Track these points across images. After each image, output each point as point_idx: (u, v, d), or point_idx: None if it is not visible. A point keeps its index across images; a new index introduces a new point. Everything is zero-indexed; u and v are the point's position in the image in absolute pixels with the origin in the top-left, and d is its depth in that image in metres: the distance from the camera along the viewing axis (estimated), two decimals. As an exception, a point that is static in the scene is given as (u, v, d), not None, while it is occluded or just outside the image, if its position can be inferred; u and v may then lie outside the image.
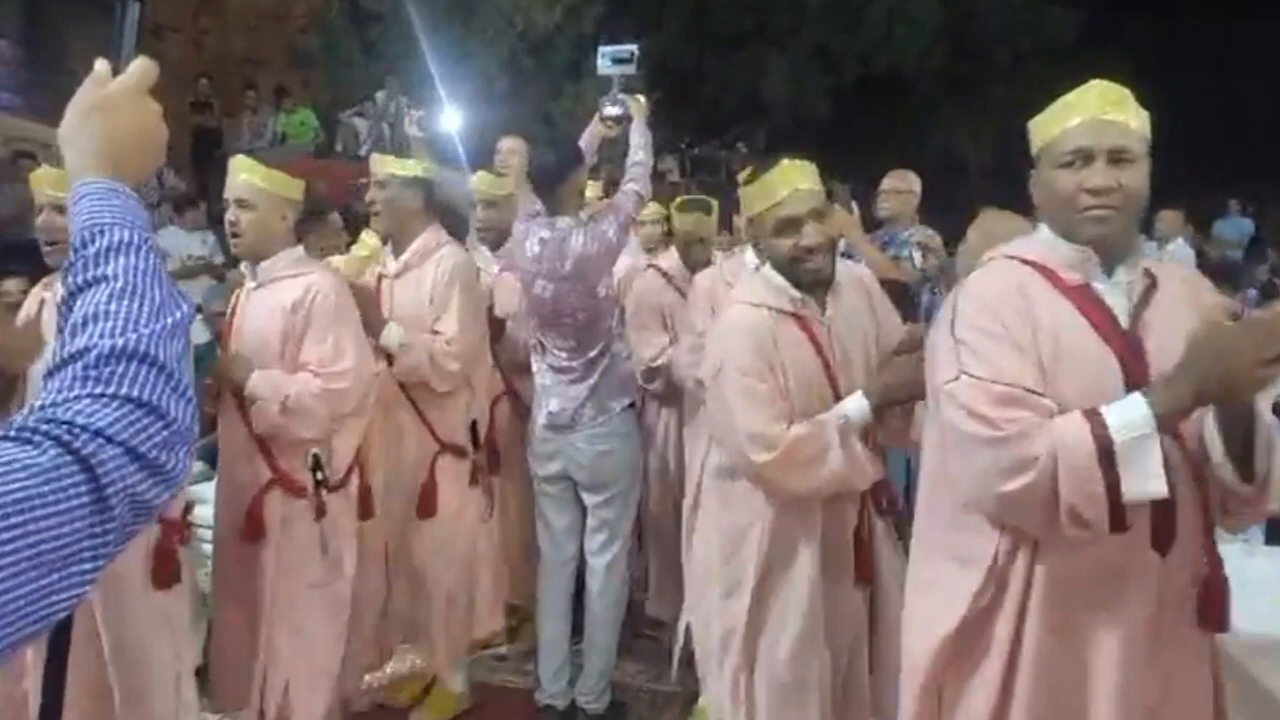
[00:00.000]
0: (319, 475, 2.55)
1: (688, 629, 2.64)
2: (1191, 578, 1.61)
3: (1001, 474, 1.53)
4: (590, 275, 2.93)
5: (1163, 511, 1.55)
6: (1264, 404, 1.56)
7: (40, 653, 0.94)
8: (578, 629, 3.21)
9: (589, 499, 3.11)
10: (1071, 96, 1.70)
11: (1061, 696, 1.62)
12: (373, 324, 2.82)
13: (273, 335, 2.54)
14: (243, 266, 2.71)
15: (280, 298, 2.55)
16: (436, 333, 2.91)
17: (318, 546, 2.57)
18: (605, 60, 3.36)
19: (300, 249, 2.68)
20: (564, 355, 3.04)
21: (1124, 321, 1.62)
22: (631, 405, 3.13)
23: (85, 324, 0.78)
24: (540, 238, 2.97)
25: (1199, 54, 15.92)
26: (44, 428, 0.71)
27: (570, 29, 14.08)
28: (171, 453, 0.76)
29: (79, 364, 0.76)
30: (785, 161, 2.15)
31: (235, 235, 2.59)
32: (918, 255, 3.88)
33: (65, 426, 0.71)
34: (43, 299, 2.52)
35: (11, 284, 4.68)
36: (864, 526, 2.24)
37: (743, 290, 2.27)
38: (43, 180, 2.53)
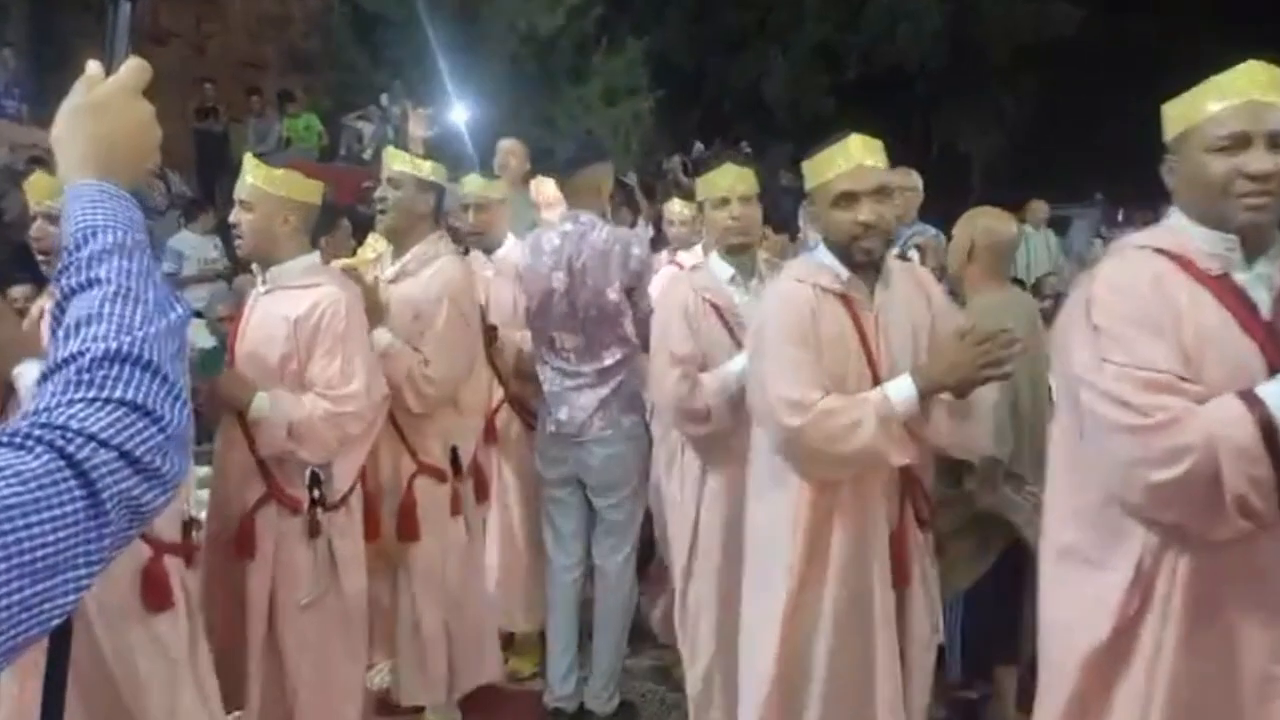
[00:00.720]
0: (315, 493, 2.45)
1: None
2: None
3: (1152, 464, 1.46)
4: (603, 272, 2.93)
5: None
6: None
7: (40, 660, 0.94)
8: (586, 633, 3.21)
9: (599, 502, 3.10)
10: (1221, 78, 1.60)
11: (1209, 705, 1.54)
12: (371, 318, 2.68)
13: (273, 345, 2.42)
14: (254, 269, 2.60)
15: (285, 307, 2.43)
16: (418, 350, 2.77)
17: (313, 565, 2.46)
18: None
19: (315, 256, 2.56)
20: (572, 356, 3.01)
21: (1265, 313, 1.54)
22: (640, 414, 3.13)
23: (78, 328, 0.78)
24: (562, 231, 3.00)
25: (1198, 50, 15.85)
26: (37, 433, 0.71)
27: (573, 30, 14.08)
28: (166, 456, 0.76)
29: (72, 368, 0.75)
30: (853, 135, 2.09)
31: (237, 237, 2.51)
32: (915, 255, 3.88)
33: (59, 431, 0.71)
34: (43, 309, 2.44)
35: (18, 290, 4.70)
36: (903, 528, 2.17)
37: (794, 267, 2.25)
38: (38, 188, 2.43)
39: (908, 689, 2.19)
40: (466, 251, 3.45)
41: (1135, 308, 1.54)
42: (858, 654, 2.13)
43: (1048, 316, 3.63)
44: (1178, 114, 1.67)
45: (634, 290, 2.97)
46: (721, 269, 2.70)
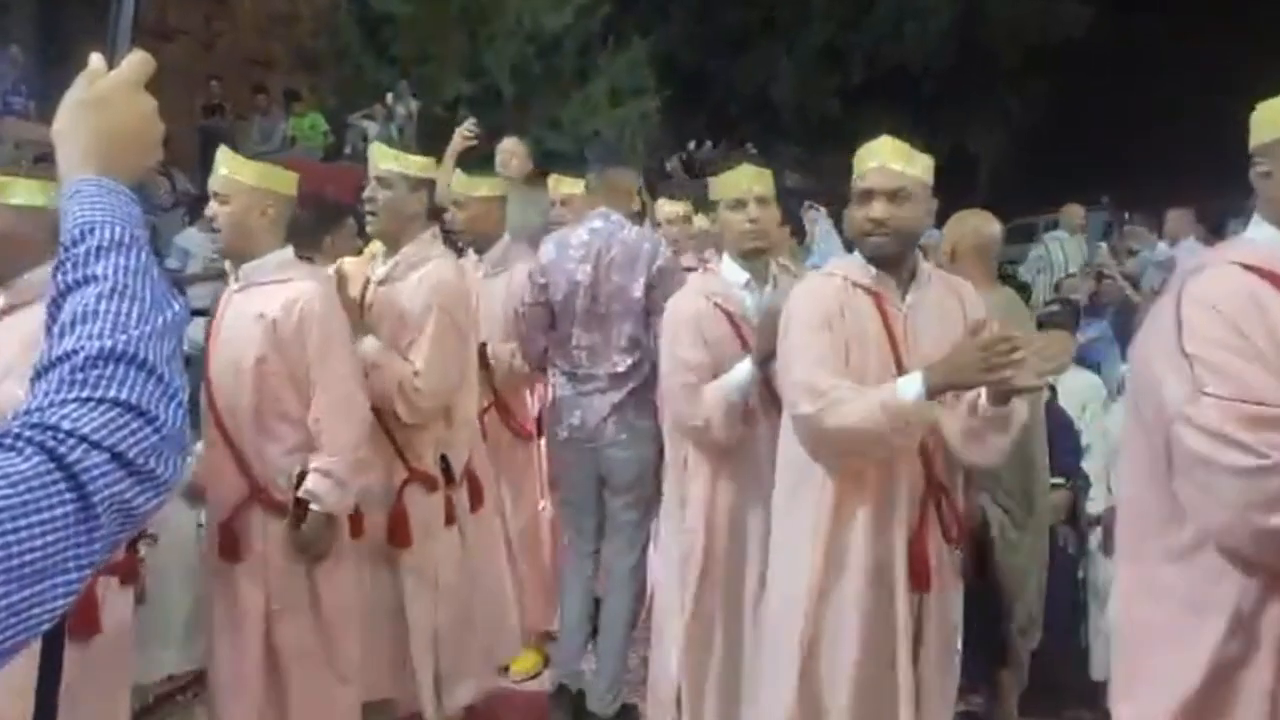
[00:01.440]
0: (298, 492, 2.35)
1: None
2: None
3: (1262, 507, 1.35)
4: (630, 268, 2.96)
5: None
6: None
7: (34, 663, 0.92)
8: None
9: (614, 501, 3.09)
10: None
11: None
12: (351, 329, 2.60)
13: (248, 345, 2.32)
14: (227, 265, 2.52)
15: (258, 305, 2.34)
16: (408, 360, 2.64)
17: (302, 565, 2.38)
18: None
19: (289, 251, 2.45)
20: (584, 355, 3.01)
21: None
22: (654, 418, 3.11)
23: (73, 325, 0.76)
24: (591, 228, 3.02)
25: (1207, 50, 15.80)
26: (28, 433, 0.69)
27: (579, 29, 14.08)
28: (160, 458, 0.74)
29: (66, 366, 0.74)
30: (886, 137, 2.14)
31: (216, 230, 2.42)
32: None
33: (50, 432, 0.69)
34: None
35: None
36: (923, 534, 2.13)
37: (832, 263, 2.29)
38: None
39: (923, 701, 2.14)
40: (461, 252, 3.39)
41: (1233, 332, 1.41)
42: (881, 662, 2.11)
43: (1056, 321, 3.63)
44: (1273, 117, 1.58)
45: (654, 289, 2.96)
46: (735, 274, 2.62)
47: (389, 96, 11.90)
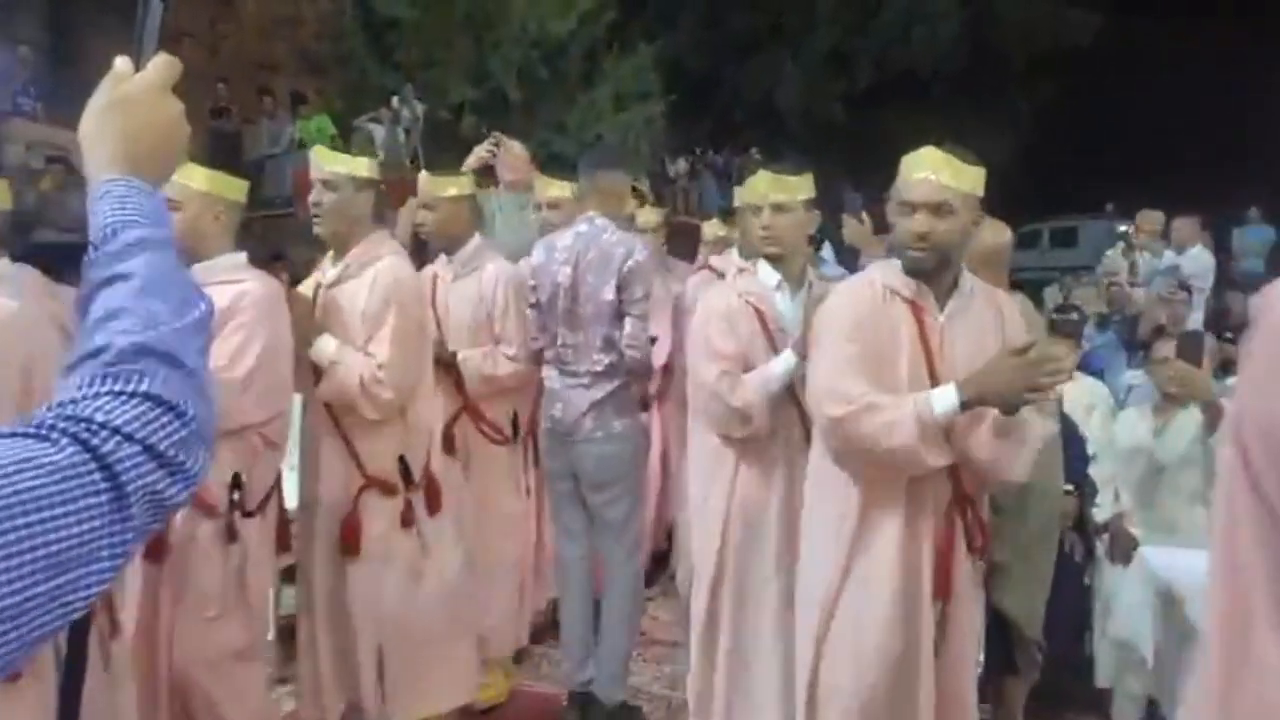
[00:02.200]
0: (235, 496, 2.29)
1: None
2: None
3: None
4: (603, 271, 3.01)
5: None
6: None
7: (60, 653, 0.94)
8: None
9: (592, 499, 3.13)
10: None
11: None
12: (305, 333, 2.56)
13: None
14: None
15: None
16: (369, 355, 2.57)
17: (224, 575, 2.30)
18: None
19: (242, 256, 2.45)
20: (570, 353, 3.09)
21: None
22: (634, 417, 3.18)
23: (104, 321, 0.78)
24: (576, 231, 3.11)
25: (1215, 58, 15.80)
26: (62, 425, 0.70)
27: (584, 34, 14.13)
28: (190, 451, 0.76)
29: (98, 361, 0.75)
30: (933, 148, 2.09)
31: None
32: None
33: (84, 424, 0.71)
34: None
35: (31, 287, 4.71)
36: (949, 543, 2.12)
37: (871, 270, 2.25)
38: None
39: (943, 709, 2.13)
40: (421, 253, 3.34)
41: None
42: (902, 670, 2.09)
43: (1065, 328, 3.63)
44: None
45: (623, 291, 3.01)
46: (768, 275, 2.66)
47: (394, 100, 11.96)
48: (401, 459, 2.66)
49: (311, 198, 2.65)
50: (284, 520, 2.52)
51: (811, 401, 2.16)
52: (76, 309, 0.82)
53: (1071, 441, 3.13)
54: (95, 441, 0.70)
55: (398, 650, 2.68)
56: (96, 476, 0.69)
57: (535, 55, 13.82)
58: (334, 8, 13.65)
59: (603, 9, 14.02)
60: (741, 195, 2.69)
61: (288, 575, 3.07)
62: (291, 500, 2.73)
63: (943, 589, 2.11)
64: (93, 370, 0.75)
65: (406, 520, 2.67)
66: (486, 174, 4.18)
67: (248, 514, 2.34)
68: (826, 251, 5.06)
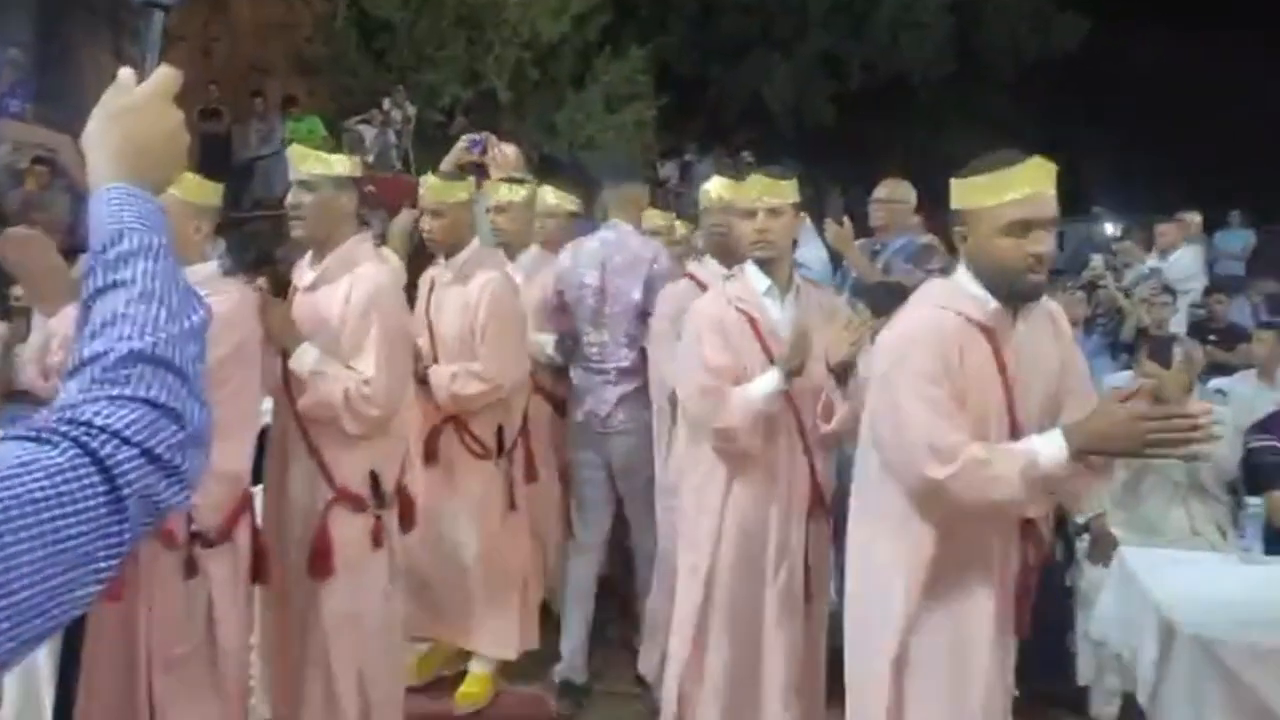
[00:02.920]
0: (193, 526, 2.17)
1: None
2: None
3: None
4: (632, 273, 3.26)
5: None
6: None
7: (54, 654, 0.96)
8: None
9: (622, 484, 3.33)
10: None
11: None
12: (283, 341, 2.46)
13: None
14: None
15: None
16: (351, 369, 2.47)
17: (188, 610, 2.18)
18: None
19: (214, 265, 2.41)
20: (596, 350, 3.31)
21: None
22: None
23: (104, 327, 0.80)
24: (602, 237, 3.36)
25: (1203, 63, 15.92)
26: (63, 428, 0.73)
27: (576, 37, 14.14)
28: (186, 454, 0.78)
29: (97, 366, 0.78)
30: (1033, 159, 1.88)
31: None
32: (901, 264, 3.94)
33: (83, 427, 0.73)
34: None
35: (20, 289, 4.72)
36: (1024, 574, 2.00)
37: (930, 293, 2.04)
38: None
39: None
40: (420, 257, 3.36)
41: None
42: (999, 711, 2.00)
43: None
44: None
45: (649, 292, 3.24)
46: (758, 280, 2.59)
47: (386, 102, 11.95)
48: (372, 474, 2.53)
49: (289, 199, 2.55)
50: (259, 550, 2.37)
51: (898, 457, 1.93)
52: (78, 313, 0.84)
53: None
54: (94, 445, 0.73)
55: (378, 680, 2.56)
56: (95, 479, 0.71)
57: (527, 57, 13.81)
58: (327, 9, 13.61)
59: (595, 11, 14.02)
60: (724, 197, 2.65)
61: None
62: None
63: (1021, 625, 1.99)
64: (92, 375, 0.78)
65: (377, 540, 2.54)
66: (474, 173, 4.21)
67: (208, 544, 2.20)
68: (810, 250, 5.09)
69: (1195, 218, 7.48)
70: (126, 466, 0.73)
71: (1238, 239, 10.05)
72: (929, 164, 17.46)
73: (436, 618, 3.24)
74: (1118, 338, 5.70)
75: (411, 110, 12.20)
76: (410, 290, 3.17)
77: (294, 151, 2.63)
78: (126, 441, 0.74)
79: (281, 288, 2.83)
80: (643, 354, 3.24)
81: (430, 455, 3.14)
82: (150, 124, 0.93)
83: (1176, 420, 1.73)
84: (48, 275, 2.16)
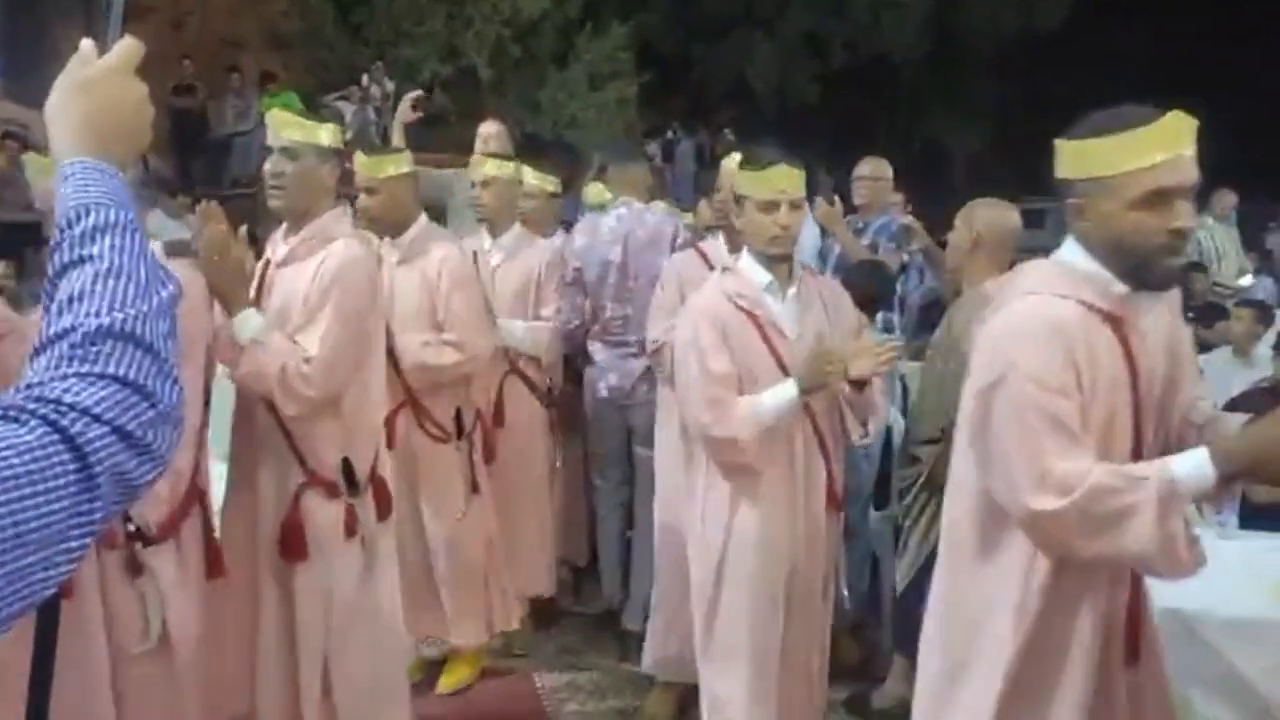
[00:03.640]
0: (130, 525, 2.02)
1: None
2: None
3: None
4: (656, 246, 3.38)
5: None
6: None
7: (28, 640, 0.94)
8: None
9: (640, 451, 3.45)
10: None
11: None
12: (229, 297, 2.25)
13: None
14: None
15: None
16: (297, 344, 2.31)
17: (140, 608, 2.04)
18: None
19: (158, 245, 2.19)
20: (619, 324, 3.42)
21: None
22: None
23: (71, 303, 0.78)
24: (617, 214, 3.45)
25: (1183, 44, 15.99)
26: (31, 406, 0.71)
27: (557, 15, 14.02)
28: (158, 432, 0.77)
29: (65, 343, 0.76)
30: (1170, 113, 1.54)
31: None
32: (885, 242, 3.96)
33: (52, 405, 0.71)
34: None
35: (-5, 267, 4.66)
36: (1136, 597, 1.69)
37: (1035, 278, 1.68)
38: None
39: None
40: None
41: None
42: None
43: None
44: None
45: None
46: (758, 274, 2.38)
47: (364, 78, 11.81)
48: (345, 460, 2.40)
49: (268, 167, 2.40)
50: (212, 543, 2.21)
51: (1002, 484, 1.58)
52: (44, 291, 0.82)
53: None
54: (64, 422, 0.71)
55: (343, 667, 2.43)
56: (65, 457, 0.70)
57: (507, 33, 13.69)
58: (301, -17, 13.42)
59: (576, -13, 13.92)
60: (747, 186, 2.36)
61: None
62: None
63: (1133, 655, 1.68)
64: (60, 352, 0.76)
65: (351, 529, 2.41)
66: (463, 153, 4.17)
67: (148, 542, 2.05)
68: (804, 232, 5.09)
69: (1230, 197, 7.40)
70: (97, 444, 0.72)
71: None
72: (910, 143, 17.48)
73: (408, 609, 3.05)
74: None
75: (390, 87, 12.06)
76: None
77: (274, 117, 2.46)
78: (97, 419, 0.72)
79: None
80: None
81: (388, 440, 2.92)
82: (113, 97, 0.91)
83: None
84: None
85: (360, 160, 2.99)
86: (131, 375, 0.76)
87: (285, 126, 2.41)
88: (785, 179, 2.32)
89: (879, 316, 3.53)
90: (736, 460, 2.30)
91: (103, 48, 0.93)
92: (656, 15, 16.32)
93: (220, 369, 2.34)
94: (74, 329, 0.76)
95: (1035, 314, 1.59)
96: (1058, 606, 1.62)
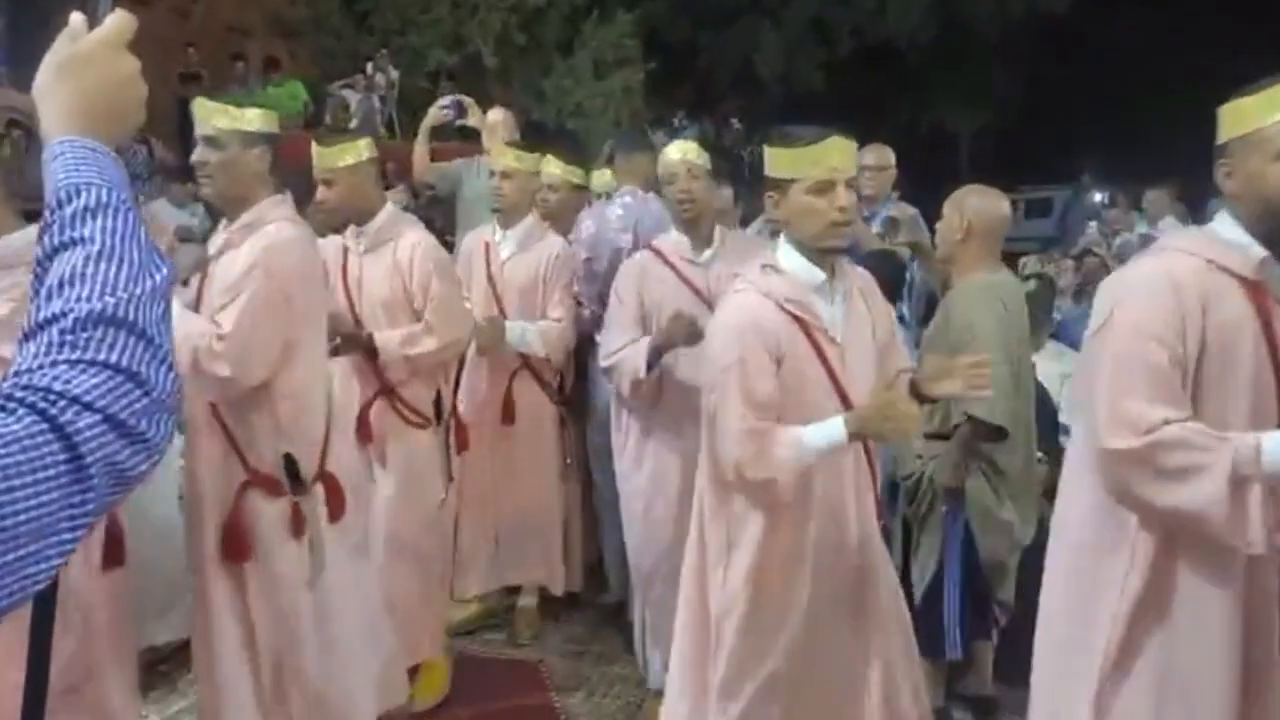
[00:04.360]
0: None
1: None
2: None
3: None
4: (662, 233, 3.41)
5: None
6: None
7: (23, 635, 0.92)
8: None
9: None
10: None
11: None
12: None
13: None
14: None
15: None
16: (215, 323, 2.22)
17: (62, 622, 1.92)
18: None
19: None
20: None
21: None
22: None
23: (61, 287, 0.76)
24: (623, 202, 3.46)
25: (1189, 28, 15.84)
26: (19, 394, 0.69)
27: (562, 3, 13.94)
28: (152, 421, 0.74)
29: (55, 329, 0.74)
30: None
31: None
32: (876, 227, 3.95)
33: (41, 393, 0.69)
34: None
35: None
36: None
37: (1171, 239, 1.69)
38: None
39: None
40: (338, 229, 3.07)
41: None
42: None
43: (1034, 297, 3.65)
44: None
45: None
46: (808, 272, 2.03)
47: (369, 66, 11.76)
48: (287, 457, 2.27)
49: (194, 156, 2.33)
50: (113, 531, 2.04)
51: (1090, 426, 1.56)
52: (32, 274, 0.79)
53: (1044, 411, 3.17)
54: (53, 411, 0.69)
55: (297, 672, 2.33)
56: (55, 447, 0.68)
57: (513, 21, 13.62)
58: (307, -29, 13.36)
59: (582, -25, 13.83)
60: (791, 166, 2.02)
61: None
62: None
63: None
64: (50, 338, 0.73)
65: (297, 529, 2.29)
66: (468, 141, 4.16)
67: None
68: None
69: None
70: (88, 434, 0.69)
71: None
72: (916, 129, 17.33)
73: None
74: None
75: (395, 75, 12.02)
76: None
77: (198, 106, 2.37)
78: (88, 408, 0.70)
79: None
80: None
81: (366, 433, 2.89)
82: (103, 73, 0.87)
83: None
84: None
85: (317, 150, 2.87)
86: (124, 362, 0.73)
87: (209, 115, 2.33)
88: (839, 154, 1.98)
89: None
90: (772, 501, 2.00)
91: (93, 23, 0.90)
92: (662, 3, 16.22)
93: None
94: (64, 314, 0.74)
95: (1153, 267, 1.58)
96: (1178, 593, 1.52)
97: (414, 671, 3.00)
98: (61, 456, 0.68)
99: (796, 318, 1.99)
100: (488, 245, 3.49)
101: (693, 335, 2.62)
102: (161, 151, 8.94)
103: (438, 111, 4.13)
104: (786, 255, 2.05)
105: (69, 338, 0.73)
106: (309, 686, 2.34)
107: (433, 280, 2.88)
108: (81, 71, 0.87)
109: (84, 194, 0.80)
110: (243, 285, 2.22)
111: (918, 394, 2.04)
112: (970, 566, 2.78)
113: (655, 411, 2.90)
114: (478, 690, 3.20)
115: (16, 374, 0.71)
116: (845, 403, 1.99)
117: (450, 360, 3.08)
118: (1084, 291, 6.10)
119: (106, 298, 0.75)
